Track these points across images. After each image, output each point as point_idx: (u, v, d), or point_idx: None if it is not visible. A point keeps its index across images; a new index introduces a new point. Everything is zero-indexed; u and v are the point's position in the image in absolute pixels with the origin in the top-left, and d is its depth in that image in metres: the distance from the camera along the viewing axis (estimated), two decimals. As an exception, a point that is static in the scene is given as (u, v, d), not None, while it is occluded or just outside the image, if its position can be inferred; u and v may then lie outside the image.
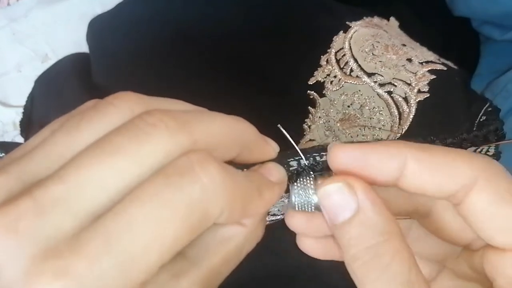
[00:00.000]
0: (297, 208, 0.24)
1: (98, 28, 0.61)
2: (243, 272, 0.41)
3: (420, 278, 0.20)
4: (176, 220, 0.18)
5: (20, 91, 0.63)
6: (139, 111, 0.20)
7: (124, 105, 0.20)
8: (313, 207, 0.24)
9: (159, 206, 0.17)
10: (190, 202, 0.18)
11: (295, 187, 0.24)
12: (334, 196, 0.21)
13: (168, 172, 0.18)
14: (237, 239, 0.22)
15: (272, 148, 0.24)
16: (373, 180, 0.22)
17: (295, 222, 0.24)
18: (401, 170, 0.21)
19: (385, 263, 0.20)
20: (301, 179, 0.24)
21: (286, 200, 0.39)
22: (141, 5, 0.58)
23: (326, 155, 0.24)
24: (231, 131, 0.22)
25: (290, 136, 0.44)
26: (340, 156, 0.22)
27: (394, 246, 0.20)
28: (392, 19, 0.50)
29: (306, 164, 0.25)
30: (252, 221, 0.22)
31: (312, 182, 0.24)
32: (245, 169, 0.24)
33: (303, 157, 0.25)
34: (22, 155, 0.19)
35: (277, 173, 0.24)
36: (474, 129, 0.35)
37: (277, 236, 0.41)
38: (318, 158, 0.25)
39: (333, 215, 0.21)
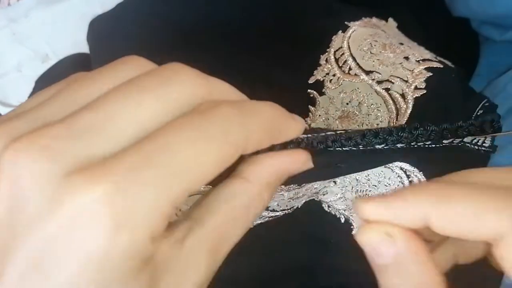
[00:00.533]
0: None
1: (98, 28, 0.61)
2: (240, 268, 0.41)
3: None
4: (212, 144, 0.18)
5: (20, 91, 0.63)
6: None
7: (139, 62, 0.22)
8: None
9: (197, 131, 0.18)
10: (223, 129, 0.18)
11: None
12: (371, 242, 0.21)
13: (197, 109, 0.19)
14: (243, 195, 0.22)
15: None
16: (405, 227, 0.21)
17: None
18: (427, 220, 0.20)
19: None
20: None
21: (285, 194, 0.39)
22: (141, 5, 0.58)
23: (325, 132, 0.24)
24: (236, 92, 0.23)
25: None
26: (366, 212, 0.21)
27: None
28: (390, 20, 0.51)
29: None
30: (258, 179, 0.22)
31: None
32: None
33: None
34: (42, 101, 0.19)
35: (297, 116, 0.24)
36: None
37: (276, 233, 0.41)
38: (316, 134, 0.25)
39: (374, 256, 0.21)
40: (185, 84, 0.19)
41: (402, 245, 0.21)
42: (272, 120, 0.22)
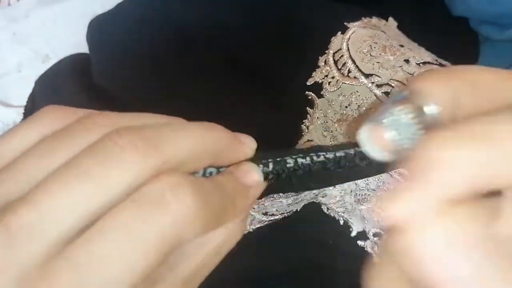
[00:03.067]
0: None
1: (98, 28, 0.61)
2: (240, 271, 0.41)
3: None
4: (146, 250, 0.17)
5: (20, 91, 0.63)
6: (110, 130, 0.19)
7: (95, 126, 0.20)
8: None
9: (128, 238, 0.17)
10: (162, 232, 0.18)
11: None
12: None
13: (138, 200, 0.18)
14: (216, 240, 0.22)
15: (248, 147, 0.24)
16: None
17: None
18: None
19: None
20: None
21: (283, 200, 0.39)
22: (140, 6, 0.58)
23: (325, 153, 0.24)
24: (203, 143, 0.21)
25: (289, 137, 0.44)
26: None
27: None
28: (390, 19, 0.51)
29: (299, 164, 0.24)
30: (232, 222, 0.22)
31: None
32: (220, 169, 0.23)
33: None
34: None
35: (253, 175, 0.23)
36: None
37: (275, 235, 0.41)
38: (315, 158, 0.25)
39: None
40: (129, 164, 0.18)
41: None
42: (222, 204, 0.21)
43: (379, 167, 0.24)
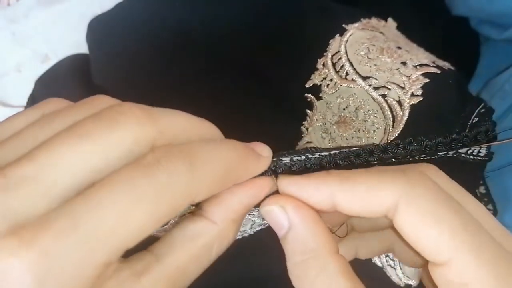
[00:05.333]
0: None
1: (97, 28, 0.61)
2: (240, 272, 0.41)
3: None
4: (143, 207, 0.18)
5: (20, 91, 0.63)
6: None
7: (98, 102, 0.21)
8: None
9: (126, 192, 0.18)
10: (158, 190, 0.18)
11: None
12: (270, 215, 0.24)
13: (134, 164, 0.19)
14: (206, 236, 0.22)
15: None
16: (315, 207, 0.24)
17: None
18: (333, 199, 0.23)
19: (311, 279, 0.22)
20: None
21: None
22: (140, 6, 0.58)
23: (317, 153, 0.25)
24: (194, 128, 0.23)
25: (289, 139, 0.44)
26: (283, 187, 0.24)
27: (320, 263, 0.22)
28: (390, 20, 0.51)
29: (299, 159, 0.25)
30: (223, 218, 0.23)
31: None
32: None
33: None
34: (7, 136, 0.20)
35: (263, 147, 0.25)
36: (467, 130, 0.35)
37: (276, 237, 0.42)
38: (309, 156, 0.25)
39: (275, 230, 0.24)
40: (128, 127, 0.19)
41: (293, 214, 0.23)
42: (228, 167, 0.22)
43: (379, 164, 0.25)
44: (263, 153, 0.24)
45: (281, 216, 0.23)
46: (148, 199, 0.18)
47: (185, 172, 0.19)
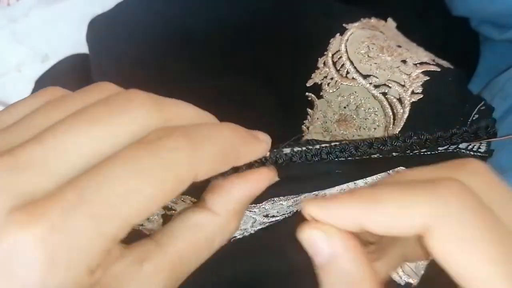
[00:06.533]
0: None
1: (97, 28, 0.61)
2: (241, 270, 0.41)
3: None
4: (149, 182, 0.18)
5: (20, 91, 0.63)
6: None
7: (105, 88, 0.22)
8: None
9: (131, 168, 0.18)
10: (163, 163, 0.19)
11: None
12: (312, 240, 0.22)
13: (138, 142, 0.19)
14: (208, 227, 0.22)
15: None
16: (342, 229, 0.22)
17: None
18: (360, 221, 0.21)
19: None
20: None
21: (284, 203, 0.40)
22: (140, 5, 0.58)
23: (318, 145, 0.25)
24: (200, 118, 0.23)
25: (289, 137, 0.44)
26: (308, 212, 0.23)
27: None
28: (389, 20, 0.51)
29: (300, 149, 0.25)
30: (225, 210, 0.23)
31: None
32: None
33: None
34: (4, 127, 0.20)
35: (262, 134, 0.24)
36: (467, 126, 0.35)
37: (276, 235, 0.41)
38: (310, 147, 0.25)
39: (313, 255, 0.22)
40: (136, 114, 0.20)
41: (337, 243, 0.22)
42: (228, 146, 0.22)
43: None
44: (262, 138, 0.24)
45: (323, 243, 0.22)
46: (152, 173, 0.18)
47: (186, 147, 0.19)
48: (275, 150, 0.25)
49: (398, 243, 0.26)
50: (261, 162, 0.25)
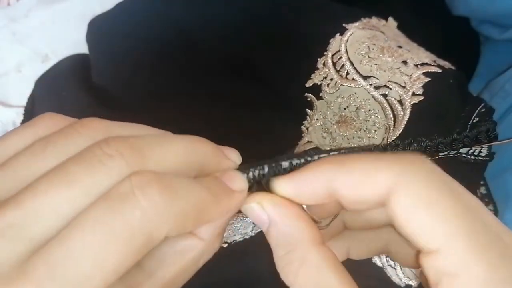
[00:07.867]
0: None
1: (97, 28, 0.61)
2: (241, 270, 0.41)
3: (332, 280, 0.22)
4: (118, 246, 0.18)
5: (20, 91, 0.63)
6: (100, 138, 0.20)
7: (88, 132, 0.21)
8: None
9: (99, 233, 0.18)
10: (131, 227, 0.18)
11: None
12: (250, 212, 0.24)
13: (109, 197, 0.19)
14: (194, 251, 0.23)
15: (231, 160, 0.25)
16: (313, 197, 0.24)
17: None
18: (330, 186, 0.23)
19: (295, 271, 0.23)
20: None
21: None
22: (140, 6, 0.58)
23: (316, 156, 0.25)
24: (187, 155, 0.22)
25: (289, 138, 0.44)
26: (279, 190, 0.24)
27: (302, 254, 0.23)
28: (390, 19, 0.51)
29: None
30: (210, 234, 0.23)
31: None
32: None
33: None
34: None
35: (238, 181, 0.24)
36: (467, 130, 0.35)
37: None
38: (309, 159, 0.25)
39: (258, 225, 0.24)
40: (115, 169, 0.19)
41: (272, 211, 0.23)
42: (200, 207, 0.21)
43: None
44: (236, 186, 0.24)
45: (260, 213, 0.24)
46: (121, 237, 0.18)
47: (160, 203, 0.19)
48: (273, 164, 0.25)
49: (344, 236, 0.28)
50: (261, 178, 0.25)
